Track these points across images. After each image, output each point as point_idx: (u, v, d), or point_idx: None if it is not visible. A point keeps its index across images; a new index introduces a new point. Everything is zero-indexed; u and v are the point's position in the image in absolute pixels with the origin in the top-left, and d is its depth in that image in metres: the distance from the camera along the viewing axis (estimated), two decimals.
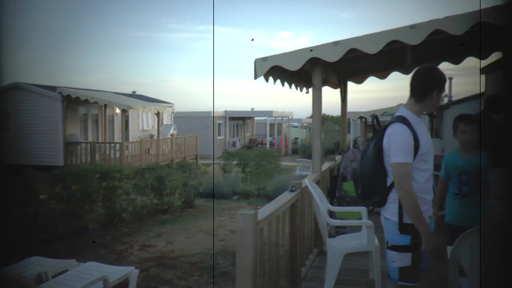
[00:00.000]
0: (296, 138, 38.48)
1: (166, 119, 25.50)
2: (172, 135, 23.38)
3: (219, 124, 32.60)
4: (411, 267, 2.98)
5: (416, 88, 3.03)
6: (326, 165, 6.60)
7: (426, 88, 2.99)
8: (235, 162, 17.09)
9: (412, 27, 4.95)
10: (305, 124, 42.91)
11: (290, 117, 37.41)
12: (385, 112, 16.75)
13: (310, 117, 50.42)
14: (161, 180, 10.76)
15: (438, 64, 8.22)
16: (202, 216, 10.68)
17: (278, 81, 6.46)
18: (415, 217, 2.89)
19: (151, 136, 22.75)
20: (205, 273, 6.62)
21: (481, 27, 4.83)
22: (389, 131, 2.96)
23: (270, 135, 34.28)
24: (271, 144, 32.78)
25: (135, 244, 8.28)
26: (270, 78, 6.11)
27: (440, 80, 3.01)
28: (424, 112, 14.52)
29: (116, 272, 5.23)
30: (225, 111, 33.60)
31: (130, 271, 5.35)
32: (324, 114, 42.26)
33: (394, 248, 3.00)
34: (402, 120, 2.95)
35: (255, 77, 5.65)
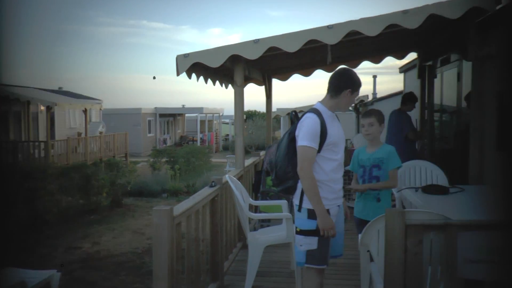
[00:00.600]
0: (227, 135, 38.58)
1: (95, 116, 24.79)
2: (100, 132, 22.77)
3: (149, 121, 32.11)
4: (317, 250, 3.21)
5: (331, 85, 3.31)
6: (250, 161, 6.73)
7: (340, 86, 3.27)
8: (164, 159, 16.91)
9: (329, 27, 5.15)
10: (232, 121, 43.14)
11: (221, 114, 37.48)
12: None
13: None
14: (87, 179, 10.49)
15: (360, 63, 8.61)
16: (130, 215, 10.54)
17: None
18: (311, 197, 3.16)
19: (79, 134, 22.03)
20: (132, 272, 6.57)
21: (396, 29, 5.14)
22: (301, 120, 3.25)
23: (201, 132, 34.16)
24: (202, 141, 32.69)
25: (59, 247, 8.04)
26: (193, 75, 6.14)
27: (352, 81, 3.28)
28: (351, 108, 15.03)
29: (35, 276, 5.07)
30: (155, 108, 33.13)
31: (51, 275, 5.19)
32: (255, 111, 42.60)
33: (302, 232, 3.24)
34: (314, 111, 3.25)
35: (178, 74, 5.64)
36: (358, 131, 19.76)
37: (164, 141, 33.00)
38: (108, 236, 8.70)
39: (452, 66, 6.93)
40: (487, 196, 4.75)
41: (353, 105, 19.24)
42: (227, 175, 4.82)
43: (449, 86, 7.20)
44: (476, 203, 4.39)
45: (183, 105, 35.67)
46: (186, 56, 5.55)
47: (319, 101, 3.38)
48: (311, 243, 3.22)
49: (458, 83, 6.59)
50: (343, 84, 3.28)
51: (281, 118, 23.81)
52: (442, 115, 7.82)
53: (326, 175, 3.26)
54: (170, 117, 35.93)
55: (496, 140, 5.23)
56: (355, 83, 3.30)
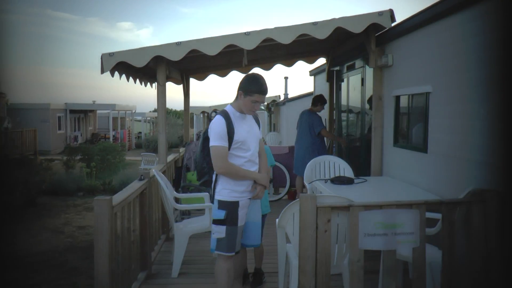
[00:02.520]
0: (140, 132, 38.03)
1: None
2: (5, 128, 21.67)
3: (59, 117, 30.87)
4: (225, 238, 3.54)
5: (238, 88, 3.63)
6: (171, 157, 7.04)
7: (238, 89, 3.56)
8: (78, 157, 16.59)
9: (247, 34, 5.61)
10: (148, 118, 42.56)
11: (133, 111, 36.89)
12: None
13: (154, 111, 50.12)
14: None
15: (273, 65, 9.19)
16: (46, 214, 10.36)
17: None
18: (244, 177, 3.58)
19: None
20: (54, 270, 6.61)
21: (307, 37, 5.70)
22: (211, 121, 3.58)
23: (114, 129, 33.44)
24: (115, 138, 32.04)
25: None
26: (116, 73, 6.33)
27: (245, 85, 3.52)
28: (262, 107, 15.73)
29: None
30: (66, 103, 31.92)
31: None
32: (168, 108, 42.40)
33: (214, 221, 3.59)
34: (222, 112, 3.57)
35: (102, 72, 5.81)
36: (270, 129, 20.57)
37: (75, 138, 31.94)
38: (23, 236, 8.56)
39: (356, 72, 7.68)
40: (385, 184, 5.47)
41: (265, 104, 19.96)
42: (153, 169, 5.12)
43: (354, 89, 7.96)
44: (376, 189, 5.06)
45: (94, 101, 34.69)
46: (111, 55, 5.74)
47: (230, 103, 3.70)
48: (220, 231, 3.55)
49: (362, 87, 7.33)
50: (239, 87, 3.55)
51: (194, 116, 24.04)
52: (349, 115, 8.58)
53: None
54: (81, 113, 34.79)
55: (393, 137, 5.98)
56: (247, 87, 3.50)
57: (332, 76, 9.27)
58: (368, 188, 5.15)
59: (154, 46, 5.77)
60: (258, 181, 3.65)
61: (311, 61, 9.41)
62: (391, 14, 5.71)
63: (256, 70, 9.02)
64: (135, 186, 4.32)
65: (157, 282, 4.68)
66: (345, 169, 6.31)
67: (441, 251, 3.50)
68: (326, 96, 9.22)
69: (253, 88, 3.48)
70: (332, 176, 6.14)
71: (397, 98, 5.87)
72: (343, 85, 8.71)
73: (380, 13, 5.71)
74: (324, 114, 9.77)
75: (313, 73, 11.38)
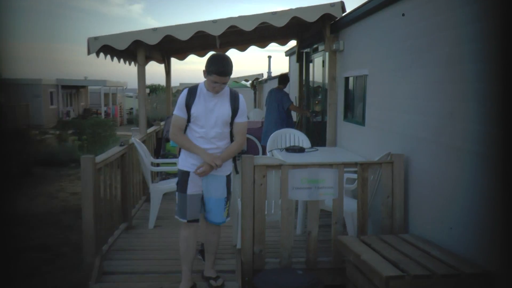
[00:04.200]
0: (131, 108, 38.64)
1: None
2: None
3: (51, 92, 31.46)
4: (178, 205, 3.84)
5: None
6: (152, 129, 7.93)
7: (206, 64, 3.65)
8: (70, 131, 17.42)
9: (214, 21, 6.44)
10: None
11: (124, 87, 37.44)
12: None
13: (147, 86, 50.69)
14: None
15: (248, 47, 10.03)
16: (41, 182, 11.23)
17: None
18: (188, 148, 3.75)
19: None
20: (51, 227, 7.50)
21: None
22: None
23: (105, 105, 34.09)
24: (106, 114, 32.72)
25: None
26: (101, 54, 7.16)
27: (208, 65, 3.61)
28: (248, 85, 16.68)
29: None
30: (57, 79, 32.45)
31: None
32: (159, 85, 43.01)
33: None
34: (191, 87, 3.80)
35: (88, 53, 6.67)
36: (255, 106, 21.41)
37: (68, 114, 32.61)
38: (21, 200, 9.43)
39: (319, 54, 8.54)
40: (331, 153, 6.40)
41: (249, 82, 20.75)
42: (133, 138, 6.02)
43: (318, 70, 8.83)
44: (321, 156, 5.98)
45: (86, 77, 35.25)
46: (96, 38, 6.59)
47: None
48: (176, 197, 3.86)
49: (323, 69, 8.21)
50: (205, 67, 3.65)
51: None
52: (314, 93, 9.47)
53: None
54: (72, 89, 35.35)
55: (343, 113, 6.89)
56: (208, 67, 3.59)
57: (302, 57, 10.12)
58: (316, 155, 6.07)
59: (133, 32, 6.60)
60: (205, 160, 3.69)
61: (283, 43, 10.25)
62: (342, 5, 6.55)
63: (232, 51, 9.89)
64: (115, 150, 5.22)
65: (135, 231, 5.62)
66: (303, 141, 7.23)
67: (356, 201, 4.45)
68: (297, 76, 10.09)
69: (212, 68, 3.56)
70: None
71: (347, 79, 6.76)
72: (311, 65, 9.57)
73: (332, 4, 6.55)
74: (294, 91, 10.66)
75: (288, 53, 12.22)
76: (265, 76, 18.88)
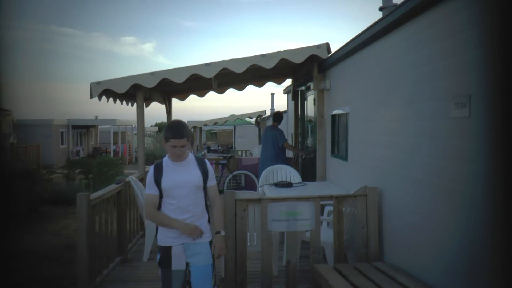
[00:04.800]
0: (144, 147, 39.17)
1: (4, 127, 24.87)
2: (11, 144, 23.05)
3: (61, 132, 32.22)
4: (162, 282, 3.70)
5: None
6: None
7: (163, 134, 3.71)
8: (78, 170, 17.88)
9: (207, 65, 6.89)
10: (149, 132, 43.93)
11: (133, 126, 38.12)
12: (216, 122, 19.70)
13: (155, 125, 51.26)
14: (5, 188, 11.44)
15: (246, 86, 10.49)
16: (47, 220, 11.58)
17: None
18: (167, 225, 3.65)
19: None
20: (53, 262, 7.80)
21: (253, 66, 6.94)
22: None
23: (114, 144, 34.73)
24: (115, 152, 33.30)
25: None
26: (104, 98, 7.62)
27: (164, 133, 3.67)
28: (253, 122, 17.09)
29: None
30: (68, 119, 33.28)
31: None
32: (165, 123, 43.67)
33: None
34: (156, 163, 3.80)
35: (91, 97, 7.12)
36: (259, 143, 21.83)
37: (77, 153, 33.26)
38: (27, 237, 9.77)
39: (311, 93, 8.94)
40: (318, 187, 6.70)
41: (253, 118, 21.25)
42: (130, 176, 6.39)
43: (311, 108, 9.22)
44: (307, 190, 6.27)
45: (96, 117, 36.05)
46: (98, 83, 7.05)
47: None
48: (160, 275, 3.73)
49: (314, 106, 8.59)
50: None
51: (192, 130, 25.35)
52: (308, 130, 9.84)
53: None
54: (83, 128, 36.16)
55: (331, 149, 7.22)
56: (165, 135, 3.63)
57: (297, 95, 10.54)
58: (303, 189, 6.38)
59: (132, 76, 7.06)
60: (183, 232, 3.62)
61: (279, 82, 10.70)
62: (327, 46, 6.98)
63: (230, 90, 10.33)
64: (111, 187, 5.59)
65: (130, 264, 5.92)
66: (294, 176, 7.55)
67: (333, 232, 4.73)
68: (293, 113, 10.49)
69: (168, 134, 3.61)
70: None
71: (333, 116, 7.12)
72: (306, 103, 9.97)
73: (318, 46, 6.98)
74: (290, 128, 11.04)
75: (286, 91, 12.67)
76: (268, 113, 19.34)
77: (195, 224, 3.65)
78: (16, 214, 11.47)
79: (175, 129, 3.63)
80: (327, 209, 5.52)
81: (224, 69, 6.88)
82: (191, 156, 3.80)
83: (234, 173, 11.39)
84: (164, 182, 3.64)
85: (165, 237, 3.71)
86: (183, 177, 3.67)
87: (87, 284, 4.51)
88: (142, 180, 7.17)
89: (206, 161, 3.87)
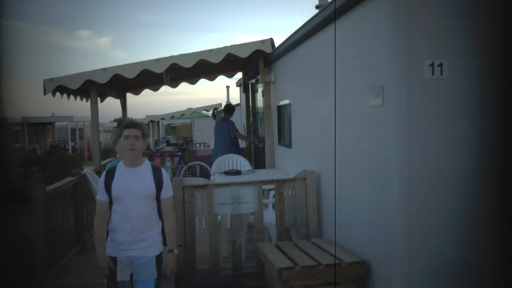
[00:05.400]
0: (100, 142, 38.79)
1: None
2: None
3: (16, 130, 31.55)
4: None
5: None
6: (107, 160, 8.54)
7: (114, 143, 3.91)
8: (35, 168, 17.80)
9: (157, 60, 7.18)
10: (108, 128, 43.48)
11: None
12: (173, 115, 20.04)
13: (114, 120, 50.69)
14: None
15: (198, 80, 10.80)
16: (4, 218, 11.58)
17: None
18: (95, 241, 3.55)
19: None
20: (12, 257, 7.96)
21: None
22: None
23: (73, 140, 34.30)
24: (74, 149, 32.92)
25: None
26: (58, 93, 7.79)
27: (118, 132, 3.70)
28: (209, 115, 17.27)
29: None
30: (23, 117, 32.59)
31: None
32: (131, 118, 43.44)
33: None
34: (110, 167, 3.67)
35: (44, 94, 7.31)
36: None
37: (34, 151, 32.67)
38: None
39: (260, 85, 9.34)
40: (266, 173, 7.13)
41: (210, 111, 21.57)
42: (86, 169, 6.64)
43: (260, 99, 9.63)
44: (254, 177, 6.67)
45: (53, 113, 35.45)
46: (51, 80, 7.24)
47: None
48: (106, 285, 3.63)
49: (263, 98, 9.00)
50: (114, 141, 3.84)
51: (150, 124, 25.40)
52: (258, 120, 10.26)
53: (114, 226, 3.51)
54: (39, 126, 35.50)
55: (277, 137, 7.66)
56: (117, 133, 3.66)
57: (248, 88, 10.95)
58: (251, 176, 6.78)
59: (84, 72, 7.28)
60: (97, 256, 3.48)
61: (230, 75, 11.07)
62: (271, 41, 7.38)
63: (183, 84, 10.63)
64: (66, 180, 5.85)
65: (87, 253, 6.19)
66: (244, 165, 7.96)
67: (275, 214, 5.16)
68: (244, 105, 10.88)
69: (121, 128, 3.63)
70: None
71: (279, 107, 7.55)
72: (256, 95, 10.38)
73: (263, 41, 7.36)
74: (243, 119, 11.44)
75: (238, 84, 13.07)
76: (223, 106, 19.71)
77: (142, 235, 3.50)
78: None
79: (127, 123, 3.65)
80: (271, 193, 5.93)
81: (173, 64, 7.19)
82: (146, 163, 3.62)
83: (189, 164, 11.74)
84: (114, 189, 3.48)
85: (111, 248, 3.55)
86: (133, 185, 3.49)
87: (46, 271, 4.79)
88: (98, 173, 7.43)
89: (163, 170, 3.67)
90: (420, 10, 3.32)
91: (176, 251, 3.60)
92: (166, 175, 3.64)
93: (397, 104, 3.33)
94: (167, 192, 3.61)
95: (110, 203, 3.52)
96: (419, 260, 3.41)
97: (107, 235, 3.54)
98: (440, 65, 3.24)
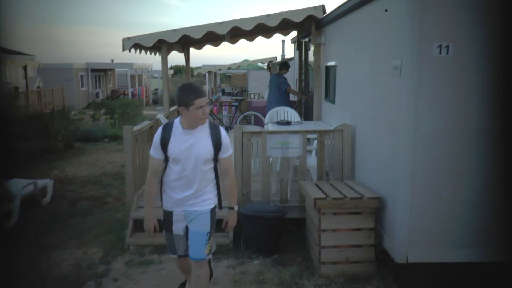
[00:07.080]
0: (157, 89, 40.52)
1: (30, 71, 26.41)
2: (38, 87, 24.68)
3: (81, 76, 33.68)
4: (167, 242, 3.87)
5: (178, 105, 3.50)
6: (174, 108, 9.82)
7: (179, 105, 3.47)
8: (103, 111, 19.47)
9: (221, 23, 8.22)
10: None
11: (150, 69, 39.32)
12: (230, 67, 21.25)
13: (170, 68, 52.47)
14: (45, 125, 13.11)
15: (255, 37, 11.77)
16: (82, 154, 13.28)
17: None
18: (145, 201, 3.73)
19: (16, 88, 23.74)
20: (95, 185, 9.48)
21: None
22: None
23: (132, 86, 36.14)
24: (133, 94, 34.74)
25: (35, 173, 10.70)
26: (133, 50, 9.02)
27: (183, 99, 3.42)
28: (265, 67, 18.47)
29: (39, 181, 7.98)
30: (87, 63, 34.63)
31: (48, 181, 8.18)
32: (183, 66, 44.96)
33: None
34: (166, 124, 3.59)
35: (123, 50, 8.55)
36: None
37: (97, 95, 34.82)
38: (69, 167, 11.45)
39: (312, 45, 10.24)
40: (311, 124, 8.18)
41: (265, 64, 22.52)
42: (158, 114, 7.92)
43: (312, 58, 10.55)
44: (302, 127, 7.74)
45: (112, 60, 37.27)
46: (129, 39, 8.44)
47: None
48: (164, 235, 3.88)
49: (315, 56, 9.93)
50: (178, 103, 3.44)
51: (206, 74, 26.65)
52: (310, 77, 11.21)
53: (168, 181, 3.59)
54: (101, 72, 37.53)
55: (324, 94, 8.65)
56: (185, 100, 3.39)
57: (301, 46, 11.83)
58: (299, 126, 7.86)
59: (157, 32, 8.43)
60: (144, 219, 3.67)
61: (286, 33, 11.96)
62: (323, 8, 8.25)
63: (242, 41, 11.63)
64: (145, 123, 7.14)
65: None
66: (294, 116, 9.04)
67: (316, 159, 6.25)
68: (297, 62, 11.82)
69: (190, 97, 3.38)
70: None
71: (327, 67, 8.49)
72: (309, 53, 11.28)
73: (315, 7, 8.25)
74: (295, 74, 12.41)
75: (292, 41, 13.91)
76: (279, 59, 20.57)
77: (198, 193, 3.57)
78: (55, 149, 13.18)
79: (195, 90, 3.43)
80: (315, 141, 7.01)
81: (235, 26, 8.22)
82: (205, 123, 3.56)
83: (245, 113, 12.94)
84: (171, 150, 3.47)
85: (167, 202, 3.69)
86: (191, 148, 3.47)
87: (133, 193, 6.15)
88: (168, 118, 8.73)
89: (222, 129, 3.63)
90: (433, 1, 4.20)
91: (236, 208, 3.75)
92: (224, 134, 3.62)
93: (409, 76, 4.30)
94: (226, 152, 3.63)
95: (165, 160, 3.55)
96: (418, 198, 4.45)
97: (162, 188, 3.68)
98: (447, 46, 4.15)
